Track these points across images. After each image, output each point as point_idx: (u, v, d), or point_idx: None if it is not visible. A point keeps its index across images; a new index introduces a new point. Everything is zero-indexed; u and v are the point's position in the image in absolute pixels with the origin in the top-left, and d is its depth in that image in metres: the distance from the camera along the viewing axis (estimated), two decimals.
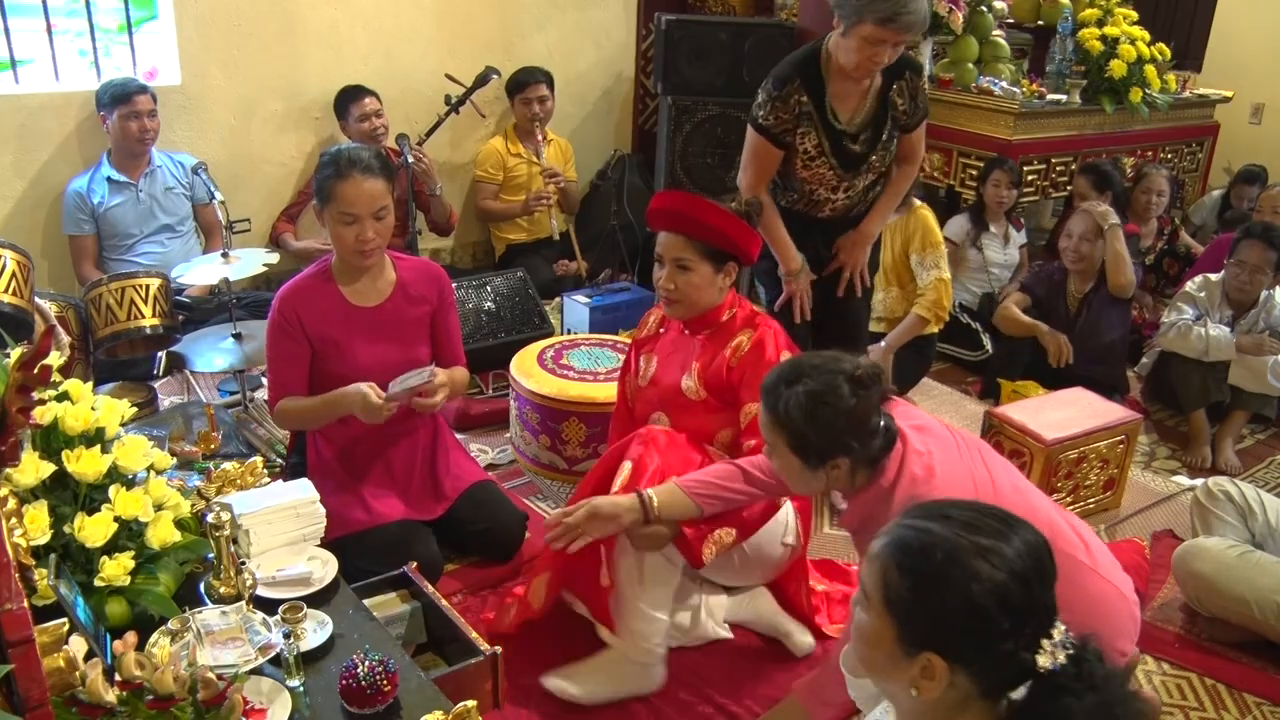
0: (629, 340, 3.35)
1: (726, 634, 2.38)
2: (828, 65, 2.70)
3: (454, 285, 3.29)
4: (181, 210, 3.86)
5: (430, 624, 2.05)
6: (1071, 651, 1.07)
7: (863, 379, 1.76)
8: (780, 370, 1.85)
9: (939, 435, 1.88)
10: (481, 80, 4.33)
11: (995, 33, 4.75)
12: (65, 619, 1.47)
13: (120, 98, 3.61)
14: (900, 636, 1.12)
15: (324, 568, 1.93)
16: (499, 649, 1.85)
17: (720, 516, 2.10)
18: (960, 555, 1.09)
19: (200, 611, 1.72)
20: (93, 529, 1.68)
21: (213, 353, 3.10)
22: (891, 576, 1.13)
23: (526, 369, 3.03)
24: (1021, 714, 1.08)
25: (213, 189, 3.47)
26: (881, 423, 1.79)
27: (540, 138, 4.51)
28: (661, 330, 2.54)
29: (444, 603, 1.99)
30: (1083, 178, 4.36)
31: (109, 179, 3.70)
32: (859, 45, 2.55)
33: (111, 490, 1.74)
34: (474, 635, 1.89)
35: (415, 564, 2.10)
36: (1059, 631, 1.08)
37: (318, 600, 1.83)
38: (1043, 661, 1.06)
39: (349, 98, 4.13)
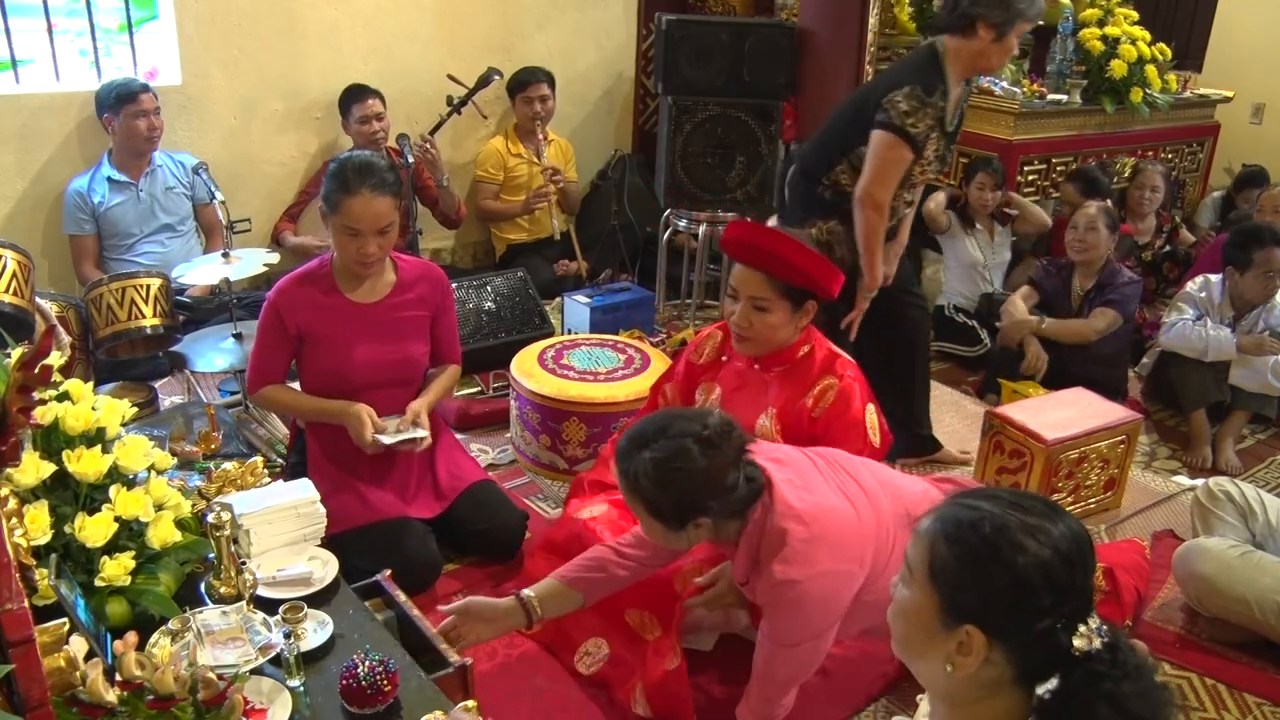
0: (629, 340, 3.36)
1: (705, 648, 2.35)
2: (946, 69, 2.76)
3: (454, 285, 3.30)
4: (182, 210, 3.86)
5: (403, 634, 1.96)
6: (1107, 639, 1.08)
7: (712, 439, 1.75)
8: (631, 433, 1.82)
9: (796, 461, 1.90)
10: (483, 81, 4.33)
11: None
12: (66, 619, 1.47)
13: (125, 97, 3.61)
14: (942, 608, 1.13)
15: (324, 568, 1.93)
16: (469, 660, 1.80)
17: None
18: (1008, 530, 1.10)
19: (201, 611, 1.72)
20: (93, 529, 1.68)
21: (213, 353, 3.11)
22: (939, 548, 1.14)
23: (527, 369, 3.03)
24: (1058, 700, 1.09)
25: (213, 189, 3.46)
26: (741, 476, 1.77)
27: (541, 137, 4.52)
28: (724, 359, 2.42)
29: (416, 612, 1.93)
30: (1070, 185, 4.38)
31: (109, 179, 3.70)
32: (1010, 45, 2.70)
33: (112, 490, 1.74)
34: (443, 646, 1.83)
35: (389, 571, 2.03)
36: (1095, 620, 1.09)
37: (318, 600, 1.83)
38: (1079, 644, 1.07)
39: (352, 97, 4.12)
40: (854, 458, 2.02)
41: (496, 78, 4.37)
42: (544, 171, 4.47)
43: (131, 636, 1.47)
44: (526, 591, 2.03)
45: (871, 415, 2.26)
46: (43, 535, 1.64)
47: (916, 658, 1.19)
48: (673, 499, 1.76)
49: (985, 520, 1.12)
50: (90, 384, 1.90)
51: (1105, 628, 1.09)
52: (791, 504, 1.79)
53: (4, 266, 2.70)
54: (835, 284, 2.23)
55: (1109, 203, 4.02)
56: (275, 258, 3.13)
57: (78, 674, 1.38)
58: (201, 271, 3.09)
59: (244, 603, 1.74)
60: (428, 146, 4.15)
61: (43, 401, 1.71)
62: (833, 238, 2.26)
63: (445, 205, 4.30)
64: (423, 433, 2.44)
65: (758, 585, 1.84)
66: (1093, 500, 3.07)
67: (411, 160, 3.97)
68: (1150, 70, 4.59)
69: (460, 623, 1.98)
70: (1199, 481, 2.99)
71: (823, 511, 1.80)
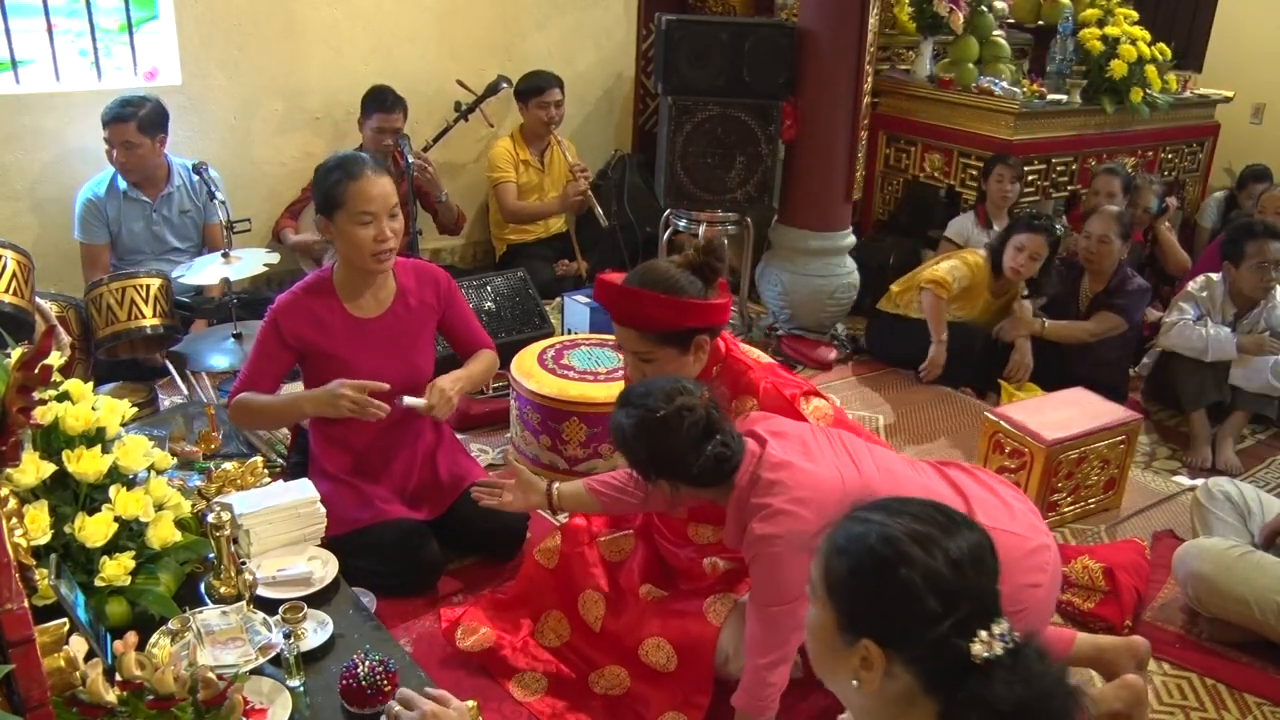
0: None
1: None
2: None
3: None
4: (194, 235, 3.80)
5: None
6: (1010, 645, 1.07)
7: (666, 421, 1.79)
8: (627, 388, 1.94)
9: (798, 438, 1.90)
10: (491, 90, 4.35)
11: (995, 33, 4.75)
12: (65, 619, 1.47)
13: (103, 124, 3.51)
14: (839, 623, 1.14)
15: (324, 568, 1.93)
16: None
17: None
18: (895, 540, 1.11)
19: (201, 611, 1.72)
20: (93, 529, 1.68)
21: (213, 353, 3.11)
22: (833, 562, 1.15)
23: (527, 369, 3.03)
24: (956, 703, 1.08)
25: (214, 188, 3.45)
26: (706, 453, 1.80)
27: (553, 141, 4.54)
28: None
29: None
30: (1115, 179, 4.28)
31: (125, 194, 3.62)
32: None
33: (112, 490, 1.74)
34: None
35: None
36: (1000, 626, 1.08)
37: (318, 600, 1.83)
38: (977, 650, 1.06)
39: (377, 104, 4.04)
40: (860, 442, 1.99)
41: (505, 86, 4.38)
42: (573, 168, 4.51)
43: (131, 636, 1.47)
44: (556, 484, 2.22)
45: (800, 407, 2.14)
46: (43, 535, 1.65)
47: (829, 676, 1.20)
48: (632, 459, 1.89)
49: (873, 532, 1.13)
50: (90, 384, 1.90)
51: (1013, 635, 1.08)
52: (780, 469, 1.81)
53: (4, 266, 2.71)
54: (713, 314, 2.08)
55: (1127, 203, 4.05)
56: (275, 258, 3.13)
57: (78, 674, 1.38)
58: (201, 272, 3.09)
59: (244, 603, 1.74)
60: (424, 165, 4.12)
61: (43, 401, 1.71)
62: (710, 255, 2.08)
63: (444, 217, 4.31)
64: (425, 402, 2.39)
65: (745, 545, 1.86)
66: (1093, 500, 3.07)
67: (413, 160, 3.97)
68: (1150, 70, 4.59)
69: (509, 482, 2.24)
70: (1199, 481, 2.99)
71: (809, 477, 1.81)
